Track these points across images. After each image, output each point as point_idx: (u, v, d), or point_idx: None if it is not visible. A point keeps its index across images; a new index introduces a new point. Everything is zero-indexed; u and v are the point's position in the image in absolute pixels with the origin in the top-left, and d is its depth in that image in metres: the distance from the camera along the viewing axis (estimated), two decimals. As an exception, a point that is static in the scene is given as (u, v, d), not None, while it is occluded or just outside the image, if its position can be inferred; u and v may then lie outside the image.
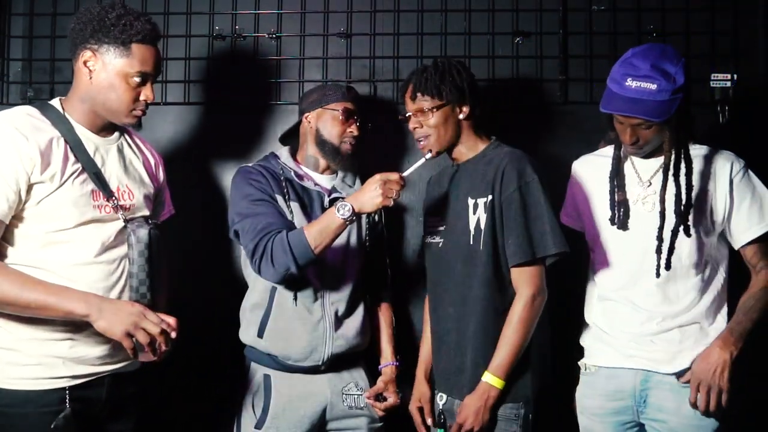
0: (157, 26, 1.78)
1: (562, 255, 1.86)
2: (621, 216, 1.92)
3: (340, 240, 2.07)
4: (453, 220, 1.98)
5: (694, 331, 1.87)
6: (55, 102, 1.78)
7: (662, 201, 1.84)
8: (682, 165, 1.84)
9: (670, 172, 1.84)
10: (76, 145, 1.72)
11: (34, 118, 1.70)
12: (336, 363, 2.06)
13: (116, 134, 1.84)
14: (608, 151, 2.01)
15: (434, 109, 1.93)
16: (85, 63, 1.72)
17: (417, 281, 2.43)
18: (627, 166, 1.97)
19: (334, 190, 2.13)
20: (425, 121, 1.95)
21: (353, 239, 2.12)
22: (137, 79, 1.72)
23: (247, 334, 2.08)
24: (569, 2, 2.49)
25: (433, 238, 2.06)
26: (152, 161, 1.96)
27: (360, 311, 2.12)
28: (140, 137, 1.96)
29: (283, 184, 2.06)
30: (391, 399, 2.11)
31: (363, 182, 2.03)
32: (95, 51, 1.72)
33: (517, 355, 1.84)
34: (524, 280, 1.86)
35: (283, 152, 2.17)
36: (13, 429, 1.63)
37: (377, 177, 1.85)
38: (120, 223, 1.75)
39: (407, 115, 1.99)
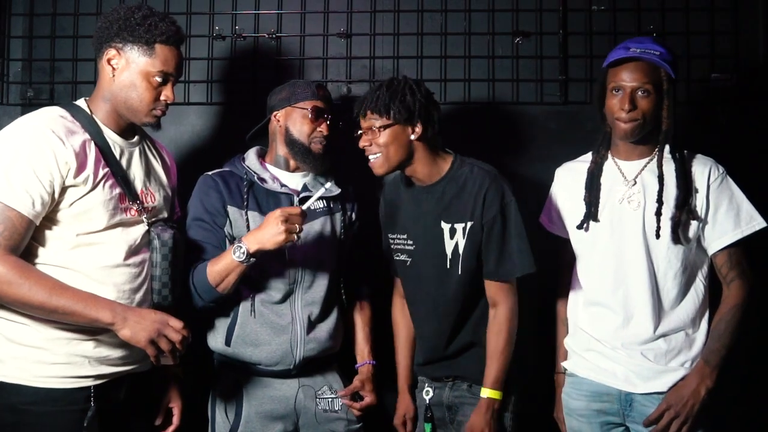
0: (181, 29, 1.81)
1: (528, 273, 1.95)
2: (593, 214, 1.92)
3: (313, 241, 2.03)
4: (425, 243, 2.00)
5: (680, 340, 1.86)
6: (82, 103, 1.79)
7: (660, 166, 1.87)
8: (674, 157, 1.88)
9: (669, 144, 1.87)
10: (105, 148, 1.74)
11: (66, 121, 1.71)
12: (308, 367, 2.03)
13: (137, 137, 1.86)
14: (588, 156, 2.01)
15: (383, 128, 1.91)
16: (108, 61, 1.75)
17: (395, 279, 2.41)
18: (611, 167, 1.95)
19: (305, 188, 2.08)
20: (375, 139, 1.93)
21: (327, 240, 2.07)
22: (158, 79, 1.75)
23: (215, 341, 2.04)
24: (569, 2, 2.48)
25: (399, 256, 2.06)
26: (168, 163, 1.99)
27: (334, 314, 2.08)
28: (155, 140, 1.99)
29: (244, 190, 2.02)
30: (368, 398, 2.08)
31: (338, 183, 2.04)
32: (120, 49, 1.74)
33: (508, 365, 1.92)
34: (504, 294, 1.94)
35: (250, 154, 2.11)
36: (37, 427, 1.64)
37: (278, 213, 1.82)
38: (144, 227, 1.79)
39: (359, 132, 1.96)
